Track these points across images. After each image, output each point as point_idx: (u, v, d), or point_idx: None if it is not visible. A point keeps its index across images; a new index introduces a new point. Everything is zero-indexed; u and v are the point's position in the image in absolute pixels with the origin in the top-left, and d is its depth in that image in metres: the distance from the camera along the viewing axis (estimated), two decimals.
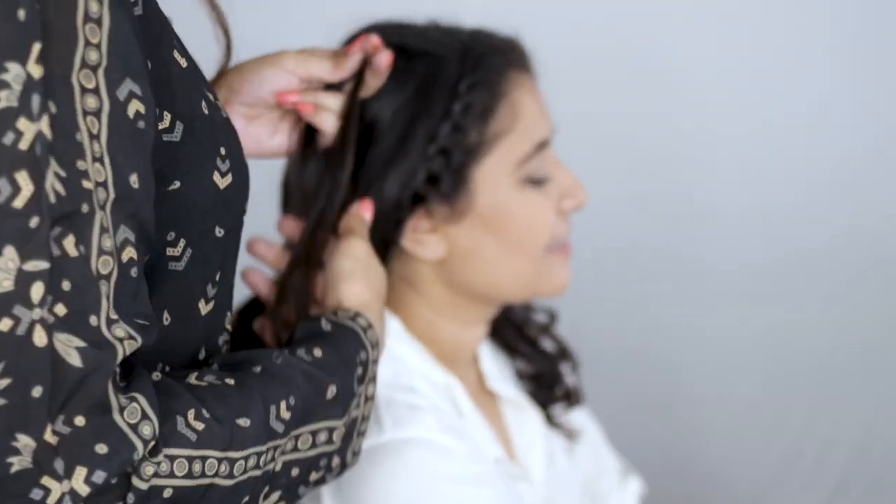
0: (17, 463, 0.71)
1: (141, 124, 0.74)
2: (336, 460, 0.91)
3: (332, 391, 0.88)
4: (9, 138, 0.68)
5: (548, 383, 1.31)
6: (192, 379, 0.81)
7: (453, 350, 1.19)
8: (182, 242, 0.82)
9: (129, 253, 0.74)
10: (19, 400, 0.70)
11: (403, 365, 1.13)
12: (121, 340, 0.73)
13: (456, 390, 1.15)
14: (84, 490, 0.72)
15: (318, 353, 0.89)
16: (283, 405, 0.83)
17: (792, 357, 2.01)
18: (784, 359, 2.01)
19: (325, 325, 0.93)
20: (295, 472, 0.86)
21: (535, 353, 1.32)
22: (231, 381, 0.81)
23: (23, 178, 0.68)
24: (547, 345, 1.35)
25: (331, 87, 1.08)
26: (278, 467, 0.84)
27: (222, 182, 0.83)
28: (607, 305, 1.97)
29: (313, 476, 0.88)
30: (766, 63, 1.97)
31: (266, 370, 0.84)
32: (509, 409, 1.25)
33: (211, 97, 0.85)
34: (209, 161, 0.83)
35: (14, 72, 0.68)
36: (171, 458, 0.75)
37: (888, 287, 1.99)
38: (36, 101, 0.69)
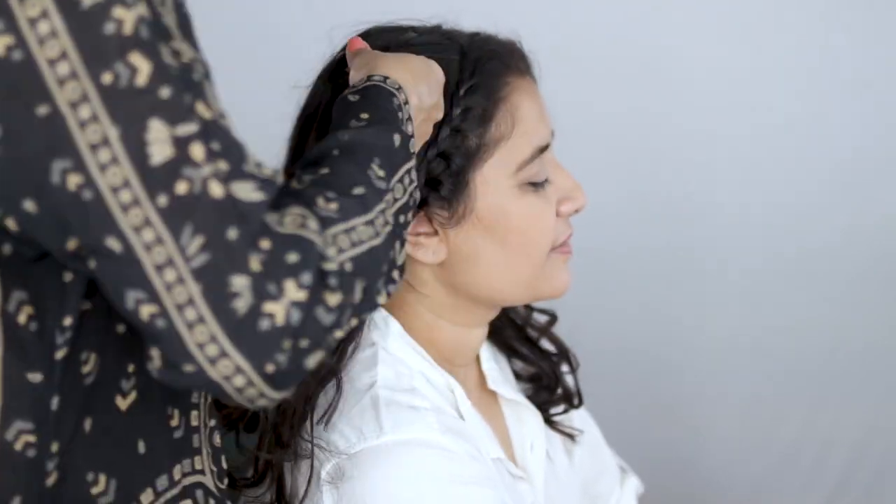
0: (242, 302, 0.75)
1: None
2: (416, 194, 0.97)
3: (397, 139, 0.94)
4: (110, 28, 0.72)
5: (547, 385, 1.31)
6: (295, 184, 0.85)
7: (454, 351, 1.18)
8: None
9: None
10: (222, 248, 0.75)
11: (404, 366, 1.13)
12: (273, 176, 0.80)
13: (456, 392, 1.15)
14: (302, 295, 0.77)
15: (364, 115, 0.94)
16: (374, 166, 0.90)
17: (792, 357, 2.01)
18: (784, 359, 2.01)
19: (352, 97, 0.98)
20: (402, 218, 0.92)
21: (535, 354, 1.32)
22: (325, 170, 0.87)
23: (136, 58, 0.73)
24: (546, 346, 1.35)
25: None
26: (393, 219, 0.90)
27: None
28: (607, 305, 1.97)
29: (409, 217, 0.95)
30: (767, 63, 1.97)
31: (343, 149, 0.90)
32: (509, 409, 1.25)
33: None
34: None
35: None
36: (335, 237, 0.81)
37: (888, 287, 2.00)
38: None
